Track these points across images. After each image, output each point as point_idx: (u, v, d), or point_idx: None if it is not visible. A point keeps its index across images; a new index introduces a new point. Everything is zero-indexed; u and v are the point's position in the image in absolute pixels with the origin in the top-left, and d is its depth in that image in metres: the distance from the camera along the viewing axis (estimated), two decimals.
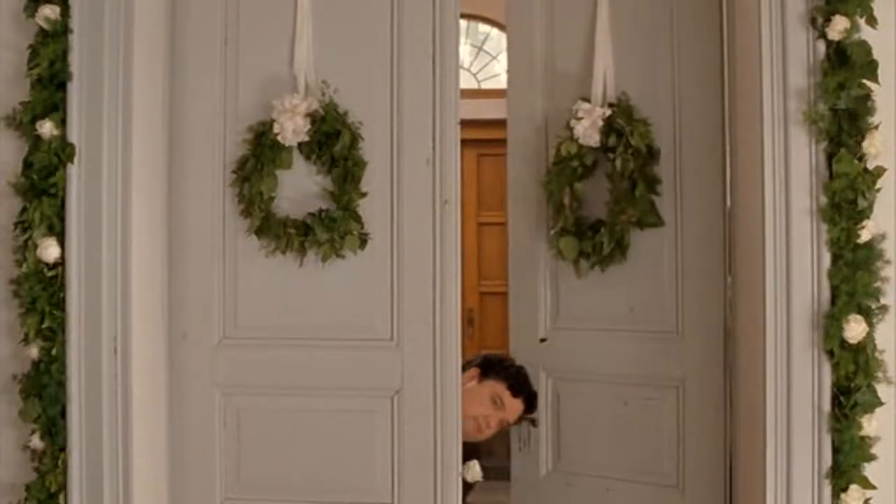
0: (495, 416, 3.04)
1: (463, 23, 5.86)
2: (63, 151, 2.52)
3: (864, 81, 2.34)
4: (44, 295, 2.52)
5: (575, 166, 2.95)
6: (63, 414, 2.53)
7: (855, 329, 2.32)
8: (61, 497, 2.52)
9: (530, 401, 3.08)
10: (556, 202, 3.00)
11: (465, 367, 3.00)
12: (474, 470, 3.00)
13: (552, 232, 3.04)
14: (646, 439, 2.97)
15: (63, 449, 2.53)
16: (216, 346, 2.76)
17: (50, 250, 2.51)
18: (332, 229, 2.67)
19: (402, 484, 2.70)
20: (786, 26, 2.41)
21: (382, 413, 2.71)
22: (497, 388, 3.04)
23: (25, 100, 2.54)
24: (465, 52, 6.70)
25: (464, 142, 2.79)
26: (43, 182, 2.52)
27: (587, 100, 2.92)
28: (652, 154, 2.87)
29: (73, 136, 2.53)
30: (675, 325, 2.89)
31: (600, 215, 2.97)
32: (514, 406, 3.05)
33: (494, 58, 6.83)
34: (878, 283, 2.35)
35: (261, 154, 2.70)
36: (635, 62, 2.93)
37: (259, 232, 2.71)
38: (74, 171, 2.53)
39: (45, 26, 2.52)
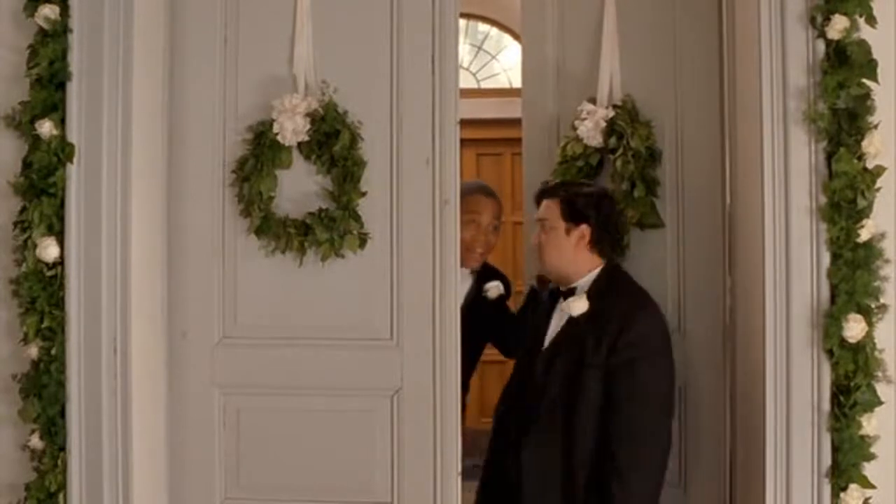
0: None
1: (462, 22, 5.86)
2: (62, 151, 2.52)
3: (864, 81, 2.35)
4: (43, 294, 2.52)
5: (580, 166, 2.97)
6: (62, 413, 2.53)
7: (854, 328, 2.32)
8: (61, 496, 2.52)
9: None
10: None
11: None
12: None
13: None
14: None
15: (63, 448, 2.53)
16: (216, 345, 2.76)
17: (49, 250, 2.51)
18: (332, 229, 2.67)
19: (401, 483, 2.70)
20: (785, 26, 2.41)
21: (382, 413, 2.71)
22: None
23: (25, 99, 2.54)
24: (464, 51, 6.70)
25: (463, 141, 2.79)
26: (42, 182, 2.52)
27: (595, 101, 2.94)
28: (653, 156, 2.87)
29: (73, 136, 2.53)
30: (677, 324, 2.89)
31: None
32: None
33: (494, 57, 6.82)
34: (877, 283, 2.35)
35: (260, 154, 2.70)
36: (640, 64, 2.95)
37: (259, 232, 2.71)
38: (74, 171, 2.53)
39: (45, 26, 2.52)
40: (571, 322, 2.65)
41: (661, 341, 2.60)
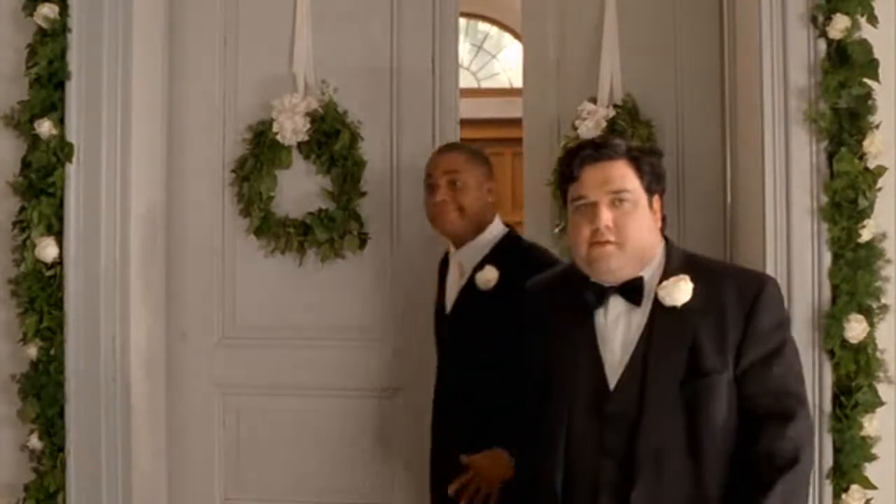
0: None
1: (462, 22, 5.86)
2: (62, 151, 2.52)
3: (865, 80, 2.34)
4: (42, 295, 2.52)
5: None
6: (62, 414, 2.52)
7: (856, 329, 2.31)
8: (60, 497, 2.52)
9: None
10: (561, 201, 3.02)
11: None
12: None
13: (556, 230, 3.05)
14: None
15: (62, 449, 2.52)
16: (215, 345, 2.76)
17: (48, 250, 2.51)
18: (332, 229, 2.67)
19: (401, 483, 2.70)
20: (786, 25, 2.40)
21: (382, 413, 2.71)
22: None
23: (24, 99, 2.54)
24: (464, 51, 6.70)
25: (463, 141, 2.78)
26: (41, 181, 2.52)
27: (595, 101, 2.94)
28: None
29: (72, 136, 2.53)
30: None
31: None
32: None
33: (494, 57, 6.82)
34: (878, 283, 2.34)
35: (260, 154, 2.70)
36: (640, 64, 2.94)
37: (258, 232, 2.71)
38: (73, 171, 2.53)
39: (44, 25, 2.52)
40: (663, 323, 1.86)
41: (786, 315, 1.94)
